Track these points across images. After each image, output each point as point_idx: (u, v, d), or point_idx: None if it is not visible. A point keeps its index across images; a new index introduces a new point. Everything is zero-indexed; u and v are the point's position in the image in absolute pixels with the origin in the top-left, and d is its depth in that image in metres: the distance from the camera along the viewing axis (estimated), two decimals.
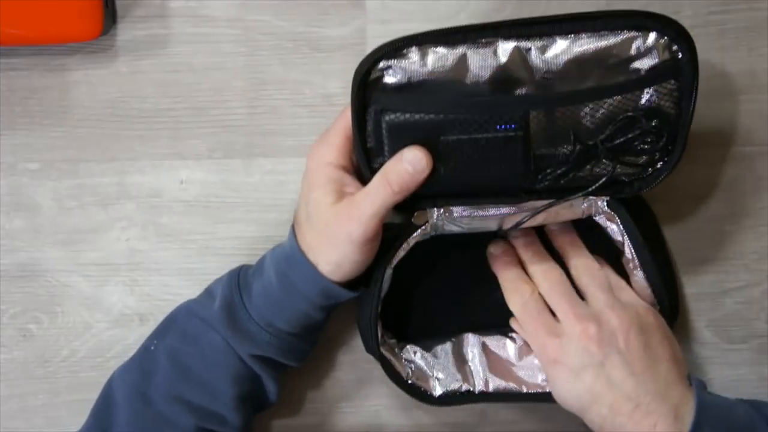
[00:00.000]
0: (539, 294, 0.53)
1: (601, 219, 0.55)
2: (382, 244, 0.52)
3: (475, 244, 0.57)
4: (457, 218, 0.53)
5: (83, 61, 0.58)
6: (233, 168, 0.59)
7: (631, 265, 0.54)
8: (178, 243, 0.60)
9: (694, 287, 0.60)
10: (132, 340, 0.60)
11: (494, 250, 0.56)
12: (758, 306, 0.60)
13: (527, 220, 0.53)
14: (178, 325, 0.54)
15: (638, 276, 0.54)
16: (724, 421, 0.48)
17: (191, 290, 0.60)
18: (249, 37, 0.58)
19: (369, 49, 0.57)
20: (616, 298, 0.52)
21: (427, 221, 0.53)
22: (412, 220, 0.53)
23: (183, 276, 0.60)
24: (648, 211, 0.59)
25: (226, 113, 0.59)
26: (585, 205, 0.54)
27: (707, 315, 0.60)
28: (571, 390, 0.51)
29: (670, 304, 0.54)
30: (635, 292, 0.54)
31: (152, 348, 0.54)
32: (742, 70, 0.58)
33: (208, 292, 0.55)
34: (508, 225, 0.54)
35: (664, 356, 0.50)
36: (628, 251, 0.53)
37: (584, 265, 0.54)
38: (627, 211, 0.53)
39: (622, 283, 0.54)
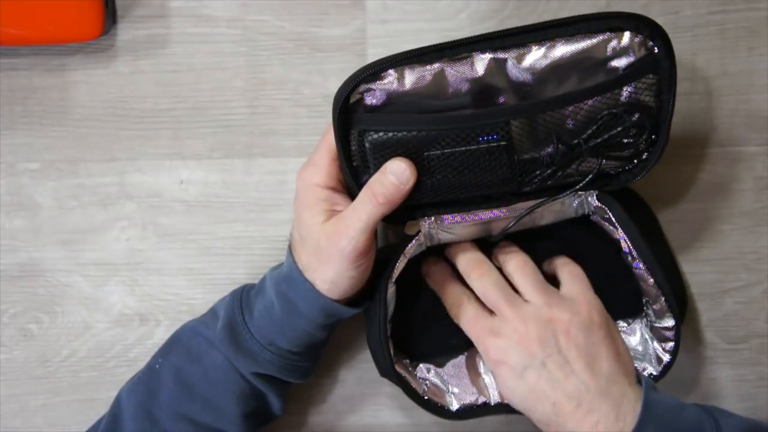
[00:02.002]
0: (476, 298, 0.53)
1: (596, 218, 0.55)
2: (379, 263, 0.53)
3: None
4: (449, 225, 0.53)
5: (83, 61, 0.58)
6: (233, 168, 0.59)
7: (629, 258, 0.54)
8: (178, 243, 0.60)
9: (694, 287, 0.60)
10: (132, 340, 0.60)
11: (426, 267, 0.56)
12: (758, 306, 0.60)
13: (513, 225, 0.53)
14: (182, 344, 0.54)
15: (639, 268, 0.53)
16: (670, 421, 0.48)
17: (191, 290, 0.60)
18: (249, 37, 0.58)
19: (369, 49, 0.58)
20: (554, 294, 0.52)
21: (420, 231, 0.53)
22: (404, 230, 0.53)
23: (183, 276, 0.60)
24: (643, 204, 0.58)
25: (226, 113, 0.59)
26: (576, 203, 0.54)
27: (707, 315, 0.60)
28: (516, 390, 0.51)
29: (675, 293, 0.53)
30: (576, 283, 0.53)
31: (157, 366, 0.54)
32: (742, 70, 0.58)
33: (212, 312, 0.55)
34: (497, 230, 0.54)
35: (605, 353, 0.50)
36: (625, 244, 0.53)
37: (516, 263, 0.53)
38: (619, 203, 0.53)
39: (565, 273, 0.53)
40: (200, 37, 0.58)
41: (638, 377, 0.51)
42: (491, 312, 0.52)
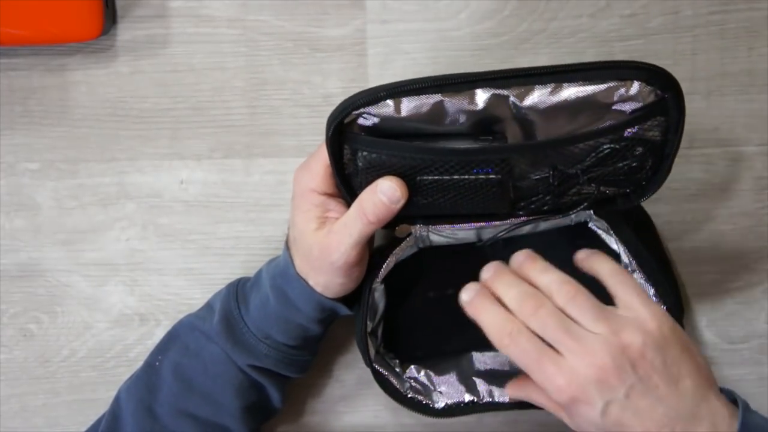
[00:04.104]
0: (528, 329, 0.46)
1: (594, 226, 0.54)
2: (372, 266, 0.53)
3: (474, 262, 0.57)
4: (440, 229, 0.53)
5: (83, 61, 0.58)
6: (233, 168, 0.59)
7: (629, 268, 0.54)
8: (178, 243, 0.60)
9: (694, 287, 0.60)
10: (132, 340, 0.60)
11: (466, 295, 0.49)
12: (758, 306, 0.60)
13: (503, 235, 0.53)
14: (180, 340, 0.54)
15: (638, 278, 0.53)
16: None
17: (191, 290, 0.60)
18: (249, 37, 0.58)
19: (369, 49, 0.58)
20: (618, 318, 0.46)
21: (410, 233, 0.53)
22: (395, 233, 0.53)
23: (183, 276, 0.60)
24: (641, 211, 0.58)
25: (226, 113, 0.59)
26: (572, 213, 0.54)
27: (707, 315, 0.60)
28: (597, 425, 0.46)
29: (674, 301, 0.53)
30: (635, 296, 0.47)
31: (156, 364, 0.54)
32: (742, 70, 0.58)
33: (209, 306, 0.55)
34: (487, 236, 0.54)
35: (686, 370, 0.45)
36: (624, 255, 0.53)
37: (566, 295, 0.47)
38: (618, 214, 0.52)
39: (618, 287, 0.48)
40: (200, 37, 0.58)
41: (723, 390, 0.47)
42: (549, 346, 0.46)
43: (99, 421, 0.55)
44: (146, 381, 0.54)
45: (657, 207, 0.59)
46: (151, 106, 0.59)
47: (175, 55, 0.58)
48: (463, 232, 0.54)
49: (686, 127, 0.58)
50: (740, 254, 0.60)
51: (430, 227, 0.53)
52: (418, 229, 0.53)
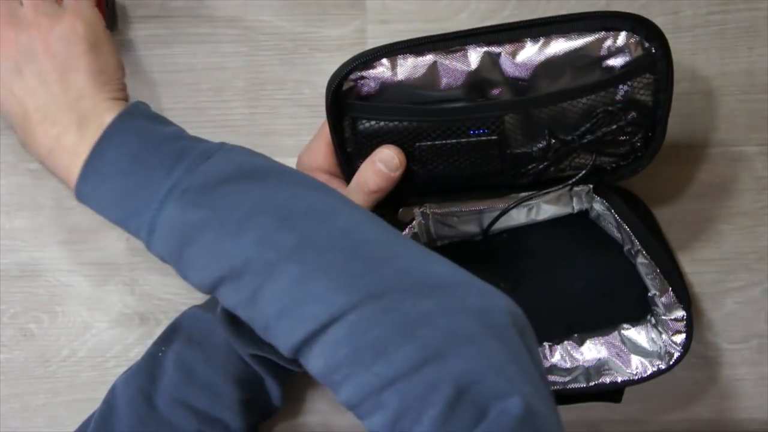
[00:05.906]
0: None
1: (595, 215, 0.54)
2: None
3: (478, 258, 0.57)
4: (442, 215, 0.53)
5: None
6: None
7: (633, 251, 0.53)
8: None
9: (694, 287, 0.60)
10: (132, 340, 0.60)
11: None
12: (758, 306, 0.60)
13: (501, 215, 0.53)
14: (183, 330, 0.55)
15: (643, 261, 0.53)
16: (142, 144, 0.47)
17: (191, 290, 0.59)
18: (249, 37, 0.58)
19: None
20: (46, 3, 0.48)
21: (414, 219, 0.53)
22: (398, 217, 0.54)
23: None
24: (643, 206, 0.58)
25: (226, 113, 0.59)
26: (574, 198, 0.54)
27: (707, 315, 0.60)
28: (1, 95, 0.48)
29: (679, 282, 0.53)
30: None
31: (159, 354, 0.54)
32: (742, 70, 0.58)
33: (213, 297, 0.55)
34: (487, 222, 0.54)
35: (81, 67, 0.47)
36: (627, 239, 0.53)
37: None
38: (621, 201, 0.52)
39: None
40: (200, 37, 0.58)
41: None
42: None
43: (90, 419, 0.54)
44: (147, 371, 0.54)
45: (657, 207, 0.59)
46: (151, 106, 0.59)
47: (175, 55, 0.58)
48: (466, 221, 0.54)
49: (686, 127, 0.58)
50: (740, 254, 0.60)
51: (433, 214, 0.53)
52: (420, 214, 0.53)
